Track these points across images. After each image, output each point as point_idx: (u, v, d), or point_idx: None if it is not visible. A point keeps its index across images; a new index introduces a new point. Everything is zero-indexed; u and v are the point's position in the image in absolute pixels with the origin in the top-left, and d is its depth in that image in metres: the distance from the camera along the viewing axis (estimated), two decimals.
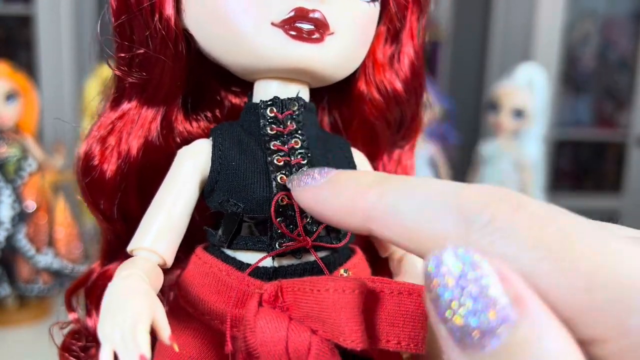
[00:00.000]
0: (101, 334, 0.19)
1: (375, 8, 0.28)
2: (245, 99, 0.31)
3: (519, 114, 1.03)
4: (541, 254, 0.16)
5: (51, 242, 0.97)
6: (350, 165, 0.29)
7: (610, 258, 0.15)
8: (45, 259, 0.95)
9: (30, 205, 0.95)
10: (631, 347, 0.15)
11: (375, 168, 0.32)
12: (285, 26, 0.25)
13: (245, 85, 0.30)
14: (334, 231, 0.27)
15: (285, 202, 0.26)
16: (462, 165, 1.27)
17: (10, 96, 0.93)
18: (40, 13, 1.62)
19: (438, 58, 2.14)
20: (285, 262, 0.26)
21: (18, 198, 0.94)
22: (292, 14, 0.25)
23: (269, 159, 0.26)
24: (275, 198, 0.25)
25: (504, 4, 2.05)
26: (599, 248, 0.16)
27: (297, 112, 0.27)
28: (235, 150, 0.27)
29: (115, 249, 0.31)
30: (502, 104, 1.03)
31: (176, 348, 0.20)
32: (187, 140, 0.29)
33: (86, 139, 0.30)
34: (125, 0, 0.27)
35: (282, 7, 0.25)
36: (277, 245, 0.26)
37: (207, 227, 0.28)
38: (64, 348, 0.31)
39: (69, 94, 1.57)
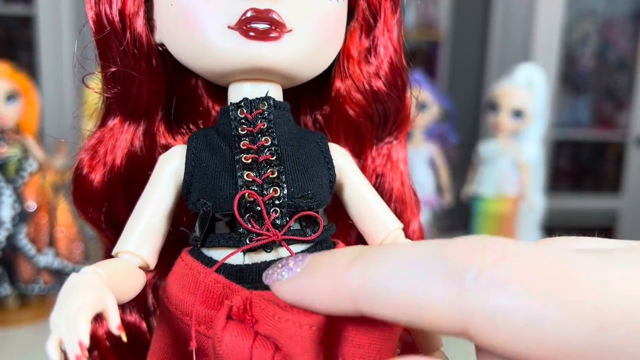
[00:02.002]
0: (51, 324, 0.21)
1: (340, 3, 0.28)
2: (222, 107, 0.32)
3: (518, 114, 1.03)
4: (542, 298, 0.14)
5: (52, 242, 0.97)
6: (326, 158, 0.29)
7: (618, 288, 0.14)
8: (46, 259, 0.95)
9: (31, 205, 0.95)
10: None
11: (364, 164, 0.33)
12: (242, 27, 0.26)
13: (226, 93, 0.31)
14: (309, 224, 0.27)
15: (252, 198, 0.26)
16: (461, 165, 1.27)
17: (11, 96, 0.94)
18: (41, 13, 1.62)
19: (437, 58, 2.14)
20: (257, 258, 0.27)
21: (19, 198, 0.94)
22: (246, 15, 0.25)
23: (237, 157, 0.27)
24: (239, 195, 0.26)
25: (504, 4, 2.05)
26: (603, 279, 0.15)
27: (267, 111, 0.28)
28: (207, 152, 0.28)
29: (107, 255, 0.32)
30: (501, 104, 1.03)
31: (124, 337, 0.21)
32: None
33: (79, 153, 0.31)
34: (100, 21, 0.28)
35: (236, 10, 0.26)
36: (247, 241, 0.26)
37: (183, 228, 0.29)
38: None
39: (70, 95, 1.57)
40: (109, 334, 0.31)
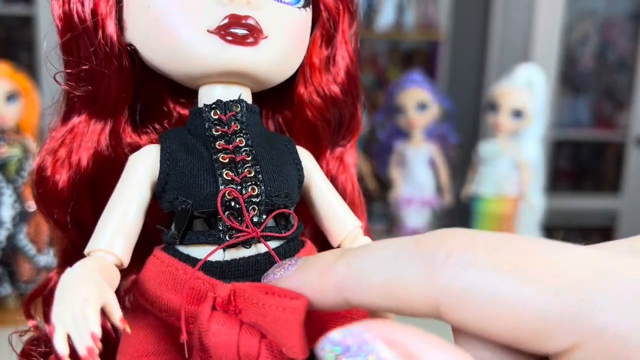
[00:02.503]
0: (54, 319, 0.20)
1: (307, 13, 0.30)
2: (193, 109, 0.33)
3: (518, 114, 1.03)
4: (504, 273, 0.16)
5: (52, 242, 0.97)
6: (295, 160, 0.31)
7: (572, 263, 0.16)
8: (46, 258, 0.96)
9: (31, 205, 0.96)
10: (603, 349, 0.15)
11: (319, 166, 0.34)
12: (221, 32, 0.26)
13: (191, 96, 0.31)
14: (282, 222, 0.29)
15: (232, 196, 0.27)
16: (461, 165, 1.27)
17: (11, 96, 0.94)
18: (41, 13, 1.62)
19: (437, 58, 2.15)
20: (237, 254, 0.27)
21: (19, 198, 0.94)
22: (226, 20, 0.26)
23: (215, 157, 0.28)
24: (221, 192, 0.27)
25: (504, 4, 2.06)
26: (560, 255, 0.16)
27: (240, 113, 0.29)
28: (182, 152, 0.28)
29: (70, 256, 0.32)
30: (501, 104, 1.03)
31: (128, 330, 0.21)
32: (137, 149, 0.31)
33: (39, 152, 0.31)
34: (70, 20, 0.29)
35: (216, 15, 0.26)
36: (227, 238, 0.27)
37: (159, 226, 0.29)
38: (24, 355, 0.32)
39: None
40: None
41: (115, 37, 0.28)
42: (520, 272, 0.16)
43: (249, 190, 0.27)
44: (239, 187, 0.27)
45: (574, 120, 2.28)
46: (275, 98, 0.33)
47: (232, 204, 0.27)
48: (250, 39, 0.27)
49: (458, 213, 1.38)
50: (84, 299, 0.21)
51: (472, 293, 0.16)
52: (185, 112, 0.34)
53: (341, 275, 0.20)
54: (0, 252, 0.93)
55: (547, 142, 2.03)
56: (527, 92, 1.04)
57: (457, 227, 0.18)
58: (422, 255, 0.18)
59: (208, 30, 0.26)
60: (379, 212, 2.36)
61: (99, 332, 0.20)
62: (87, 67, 0.28)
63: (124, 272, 0.28)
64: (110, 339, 0.32)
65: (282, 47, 0.29)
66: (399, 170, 1.14)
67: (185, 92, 0.32)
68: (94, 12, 0.28)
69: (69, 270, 0.23)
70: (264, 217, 0.28)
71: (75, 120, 0.30)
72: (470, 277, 0.16)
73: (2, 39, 1.80)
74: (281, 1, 0.28)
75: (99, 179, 0.30)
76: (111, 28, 0.28)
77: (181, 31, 0.27)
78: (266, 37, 0.27)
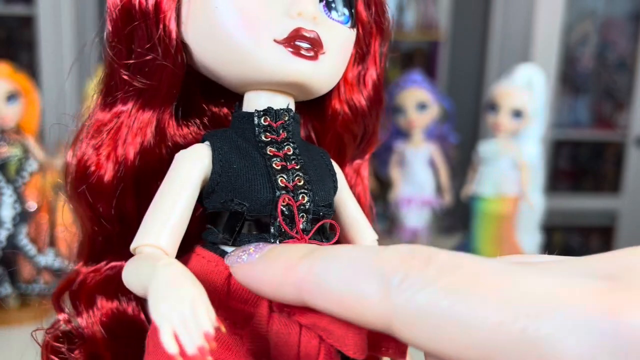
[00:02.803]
0: (157, 316, 0.20)
1: (353, 33, 0.31)
2: (224, 109, 0.34)
3: (517, 114, 1.03)
4: (455, 297, 0.17)
5: (52, 242, 0.97)
6: (330, 172, 0.32)
7: (522, 289, 0.16)
8: (47, 258, 0.96)
9: (32, 205, 0.96)
10: None
11: None
12: (287, 43, 0.27)
13: (225, 96, 0.32)
14: (322, 233, 0.30)
15: (285, 203, 0.28)
16: (461, 165, 1.27)
17: (11, 96, 0.94)
18: (42, 13, 1.63)
19: (437, 58, 2.15)
20: None
21: (19, 198, 0.94)
22: (294, 33, 0.27)
23: (268, 162, 0.28)
24: (281, 199, 0.27)
25: (503, 4, 2.06)
26: (510, 281, 0.17)
27: (287, 122, 0.30)
28: (234, 154, 0.29)
29: (101, 250, 0.32)
30: (501, 104, 1.03)
31: (223, 329, 0.21)
32: (178, 145, 0.31)
33: (78, 143, 0.31)
34: (129, 11, 0.29)
35: (284, 27, 0.27)
36: (277, 242, 0.28)
37: (210, 226, 0.29)
38: (51, 351, 0.33)
39: (70, 95, 1.58)
40: (105, 325, 0.31)
41: (174, 33, 0.28)
42: (470, 297, 0.16)
43: (300, 198, 0.28)
44: (292, 194, 0.28)
45: (574, 120, 2.28)
46: (306, 108, 0.34)
47: (285, 210, 0.28)
48: (312, 53, 0.28)
49: (458, 213, 1.38)
50: (192, 298, 0.20)
51: (424, 315, 0.17)
52: (216, 110, 0.34)
53: (301, 276, 0.20)
54: (1, 252, 0.93)
55: (547, 142, 2.04)
56: (527, 92, 1.05)
57: (418, 245, 0.19)
58: (379, 275, 0.18)
59: (274, 40, 0.27)
60: (379, 212, 2.36)
61: (212, 331, 0.20)
62: (149, 58, 0.28)
63: None
64: (140, 331, 0.32)
65: (335, 63, 0.30)
66: (399, 170, 1.14)
67: (220, 92, 0.32)
68: (158, 5, 0.28)
69: (160, 267, 0.23)
70: (309, 225, 0.28)
71: (119, 109, 0.30)
72: (422, 300, 0.17)
73: (2, 39, 1.81)
74: (336, 20, 0.30)
75: (143, 173, 0.30)
76: (173, 23, 0.28)
77: (249, 37, 0.27)
78: (324, 52, 0.29)
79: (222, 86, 0.31)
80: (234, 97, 0.32)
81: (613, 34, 2.21)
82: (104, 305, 0.32)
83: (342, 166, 0.35)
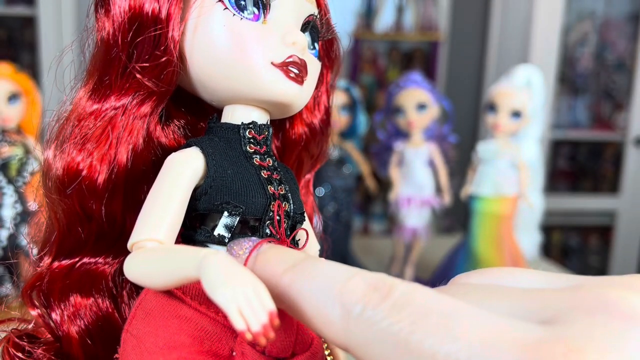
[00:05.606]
0: (222, 299, 0.22)
1: (320, 64, 0.36)
2: (193, 118, 0.36)
3: (517, 114, 1.03)
4: (393, 341, 0.19)
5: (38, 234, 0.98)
6: (296, 186, 0.35)
7: (466, 329, 0.18)
8: None
9: (32, 205, 0.96)
10: None
11: None
12: (284, 67, 0.31)
13: (186, 106, 0.35)
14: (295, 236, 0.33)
15: (276, 208, 0.31)
16: (460, 165, 1.28)
17: (12, 97, 0.94)
18: (43, 14, 1.63)
19: (437, 59, 2.15)
20: None
21: (20, 198, 0.95)
22: (290, 59, 0.31)
23: (258, 172, 0.32)
24: (276, 204, 0.31)
25: (503, 5, 2.06)
26: (456, 322, 0.18)
27: (267, 136, 0.33)
28: (226, 161, 0.31)
29: (72, 247, 0.32)
30: (500, 104, 1.03)
31: (277, 322, 0.22)
32: (165, 148, 0.33)
33: (64, 142, 0.31)
34: (138, 15, 0.30)
35: (283, 52, 0.31)
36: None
37: (204, 226, 0.31)
38: (15, 347, 0.33)
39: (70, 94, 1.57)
40: (79, 321, 0.32)
41: (177, 41, 0.30)
42: (413, 334, 0.18)
43: (284, 205, 0.32)
44: (280, 201, 0.31)
45: (573, 121, 2.29)
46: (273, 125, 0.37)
47: (273, 215, 0.31)
48: (299, 78, 0.31)
49: (457, 213, 1.38)
50: (253, 282, 0.23)
51: (374, 343, 0.19)
52: (186, 120, 0.36)
53: (283, 288, 0.23)
54: (2, 252, 0.93)
55: (546, 143, 2.04)
56: (526, 93, 1.05)
57: (383, 276, 0.21)
58: (342, 304, 0.21)
59: (272, 63, 0.31)
60: (379, 212, 2.36)
61: (275, 310, 0.22)
62: (164, 60, 0.30)
63: None
64: (113, 331, 0.33)
65: (310, 88, 0.34)
66: (399, 170, 1.14)
67: (183, 101, 0.35)
68: (169, 13, 0.30)
69: (212, 254, 0.24)
70: (288, 230, 0.32)
71: (111, 111, 0.31)
72: (374, 332, 0.19)
73: (3, 39, 1.81)
74: (310, 51, 0.34)
75: (133, 174, 0.31)
76: (176, 32, 0.30)
77: (250, 57, 0.30)
78: (307, 78, 0.32)
79: (186, 97, 0.34)
80: (195, 107, 0.35)
81: (612, 34, 2.21)
82: (78, 302, 0.33)
83: (298, 182, 0.39)
